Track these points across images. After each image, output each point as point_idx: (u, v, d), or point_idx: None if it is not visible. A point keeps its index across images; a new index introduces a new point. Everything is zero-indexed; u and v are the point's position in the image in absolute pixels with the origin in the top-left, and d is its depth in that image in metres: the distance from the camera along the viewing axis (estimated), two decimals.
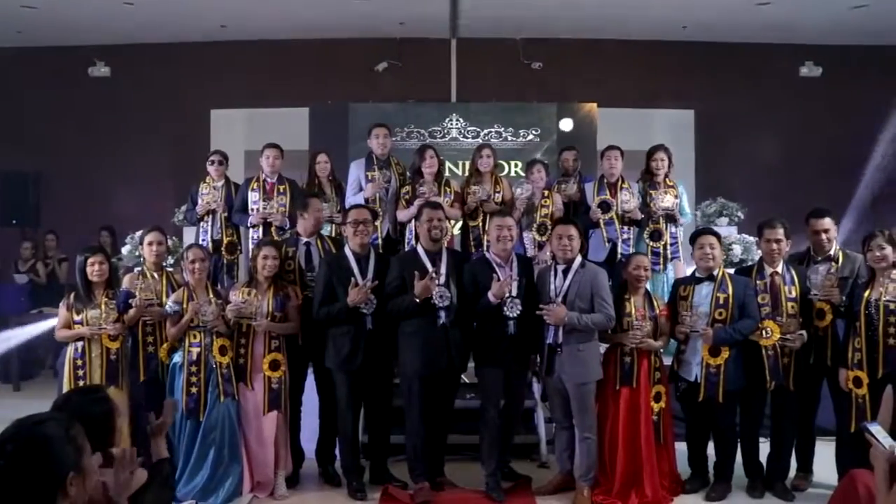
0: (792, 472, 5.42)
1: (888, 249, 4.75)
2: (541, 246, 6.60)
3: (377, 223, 6.28)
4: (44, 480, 2.10)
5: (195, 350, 5.18)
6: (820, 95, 11.04)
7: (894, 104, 10.13)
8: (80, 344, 5.19)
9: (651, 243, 6.81)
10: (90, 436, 2.32)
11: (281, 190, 6.62)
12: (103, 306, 5.18)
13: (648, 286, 5.56)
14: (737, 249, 7.61)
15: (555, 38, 11.02)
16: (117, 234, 9.44)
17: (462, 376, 5.57)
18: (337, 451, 5.59)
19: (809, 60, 11.21)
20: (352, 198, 6.77)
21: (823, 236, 5.31)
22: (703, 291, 5.20)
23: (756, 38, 10.86)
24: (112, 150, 10.77)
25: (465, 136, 10.23)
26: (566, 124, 10.23)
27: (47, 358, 9.55)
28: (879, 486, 2.98)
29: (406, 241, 6.53)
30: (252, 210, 6.56)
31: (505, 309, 5.06)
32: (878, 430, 3.15)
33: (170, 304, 5.26)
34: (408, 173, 6.88)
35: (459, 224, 6.97)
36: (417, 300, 5.01)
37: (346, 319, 5.16)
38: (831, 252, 5.32)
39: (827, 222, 5.32)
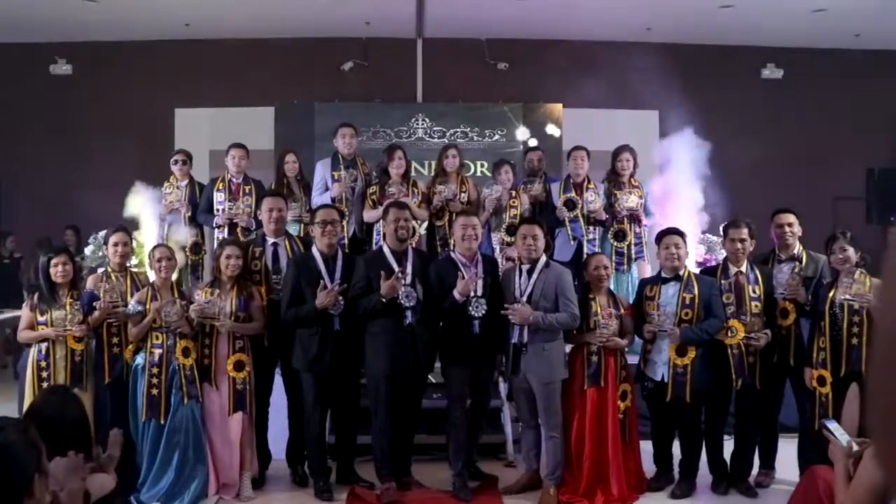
0: (755, 469, 5.49)
1: (850, 251, 4.89)
2: (509, 245, 6.61)
3: (344, 223, 6.27)
4: (11, 487, 2.08)
5: (157, 352, 5.13)
6: (781, 97, 11.19)
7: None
8: (44, 345, 5.10)
9: (615, 243, 6.85)
10: (67, 438, 2.29)
11: (247, 190, 6.59)
12: (68, 307, 5.11)
13: (612, 286, 5.59)
14: (700, 249, 7.67)
15: (520, 39, 11.02)
16: (81, 233, 9.30)
17: (429, 376, 5.58)
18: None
19: (771, 63, 11.36)
20: (318, 197, 6.76)
21: (787, 229, 5.40)
22: (670, 291, 5.25)
23: (719, 41, 10.97)
24: (74, 148, 10.56)
25: (431, 137, 10.23)
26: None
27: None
28: (839, 481, 3.05)
29: (374, 241, 6.53)
30: (217, 210, 6.53)
31: (470, 309, 5.07)
32: (836, 428, 3.23)
33: (132, 304, 5.19)
34: (374, 173, 6.87)
35: (425, 224, 6.97)
36: (384, 300, 5.00)
37: (314, 321, 5.15)
38: (795, 251, 5.41)
39: (791, 217, 5.43)
